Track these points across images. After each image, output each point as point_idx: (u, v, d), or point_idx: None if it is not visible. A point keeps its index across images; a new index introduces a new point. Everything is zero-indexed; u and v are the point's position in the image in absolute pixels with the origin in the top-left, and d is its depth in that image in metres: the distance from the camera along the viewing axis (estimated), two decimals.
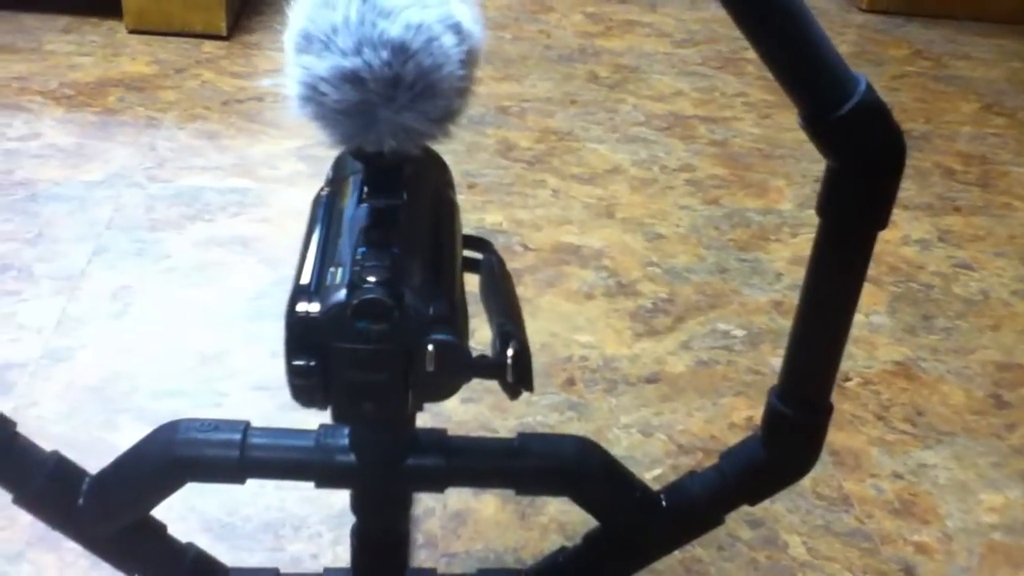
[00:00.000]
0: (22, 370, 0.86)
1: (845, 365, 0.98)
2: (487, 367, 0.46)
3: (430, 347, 0.43)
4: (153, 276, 1.01)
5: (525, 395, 0.87)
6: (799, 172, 1.37)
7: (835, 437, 0.88)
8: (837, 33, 2.02)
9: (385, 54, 0.40)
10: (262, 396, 0.85)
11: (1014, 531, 0.80)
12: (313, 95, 0.41)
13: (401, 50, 0.40)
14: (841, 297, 0.50)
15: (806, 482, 0.82)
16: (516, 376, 0.46)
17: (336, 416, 0.47)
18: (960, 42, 2.06)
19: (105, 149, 1.24)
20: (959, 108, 1.71)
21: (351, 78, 0.40)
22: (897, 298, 1.11)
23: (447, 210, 0.53)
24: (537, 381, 0.90)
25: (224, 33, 1.59)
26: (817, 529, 0.78)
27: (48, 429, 0.79)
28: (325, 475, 0.52)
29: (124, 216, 1.10)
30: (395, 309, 0.43)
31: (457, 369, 0.45)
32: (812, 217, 1.27)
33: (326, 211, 0.49)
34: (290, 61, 0.41)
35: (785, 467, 0.57)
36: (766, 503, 0.78)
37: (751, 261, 1.15)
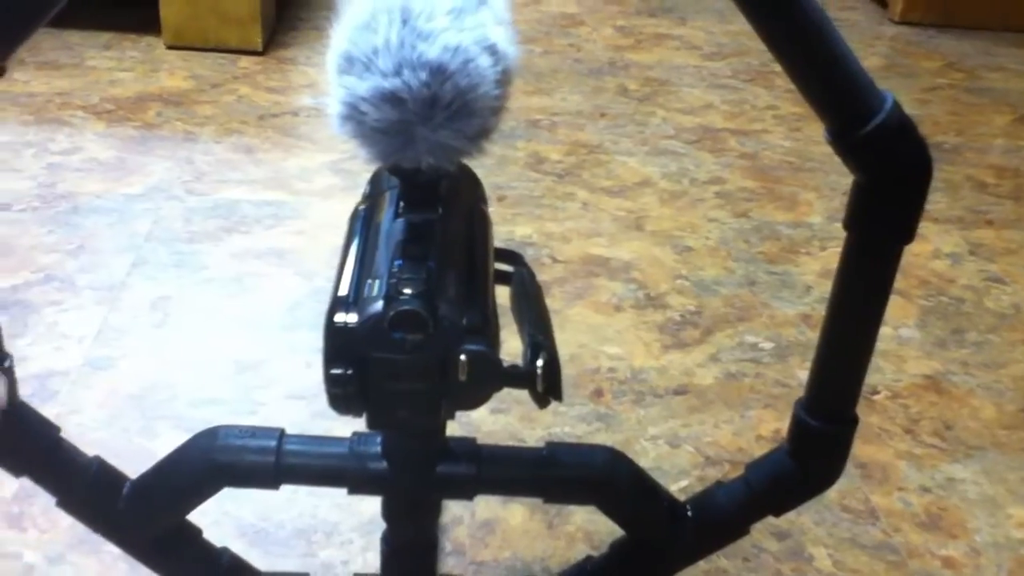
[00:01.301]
0: (64, 378, 0.88)
1: (873, 379, 0.98)
2: (517, 377, 0.47)
3: (463, 357, 0.45)
4: (191, 287, 1.03)
5: (553, 406, 0.88)
6: (828, 185, 1.37)
7: (863, 450, 0.88)
8: (868, 45, 2.02)
9: (424, 75, 0.41)
10: (297, 404, 0.87)
11: None
12: (354, 114, 0.42)
13: (439, 71, 0.41)
14: (868, 310, 0.51)
15: (833, 495, 0.82)
16: (545, 386, 0.47)
17: (371, 423, 0.48)
18: (994, 53, 2.05)
19: (145, 163, 1.27)
20: (992, 120, 1.70)
21: (391, 98, 0.41)
22: (927, 312, 1.11)
23: (480, 224, 0.54)
24: (565, 392, 0.91)
25: (260, 48, 1.62)
26: (843, 542, 0.78)
27: (89, 435, 0.82)
28: (358, 482, 0.53)
29: (163, 228, 1.13)
30: (430, 320, 0.44)
31: (489, 379, 0.46)
32: (841, 230, 1.28)
33: (363, 225, 0.51)
34: (332, 81, 0.43)
35: (811, 478, 0.57)
36: (792, 515, 0.79)
37: (780, 274, 1.15)
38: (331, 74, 0.43)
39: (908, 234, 0.47)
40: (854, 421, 0.55)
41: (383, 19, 0.42)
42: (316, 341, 0.82)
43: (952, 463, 0.88)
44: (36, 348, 0.92)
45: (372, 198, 0.53)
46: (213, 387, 0.89)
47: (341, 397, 0.46)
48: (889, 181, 0.46)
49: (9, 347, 0.50)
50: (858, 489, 0.83)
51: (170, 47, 1.62)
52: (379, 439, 0.53)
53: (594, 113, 1.54)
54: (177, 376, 0.90)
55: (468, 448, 0.54)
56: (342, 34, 0.43)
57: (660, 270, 1.14)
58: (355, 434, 0.54)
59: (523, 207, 1.24)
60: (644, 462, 0.84)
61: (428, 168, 0.44)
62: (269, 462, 0.52)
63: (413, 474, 0.54)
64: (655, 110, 1.58)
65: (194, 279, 1.05)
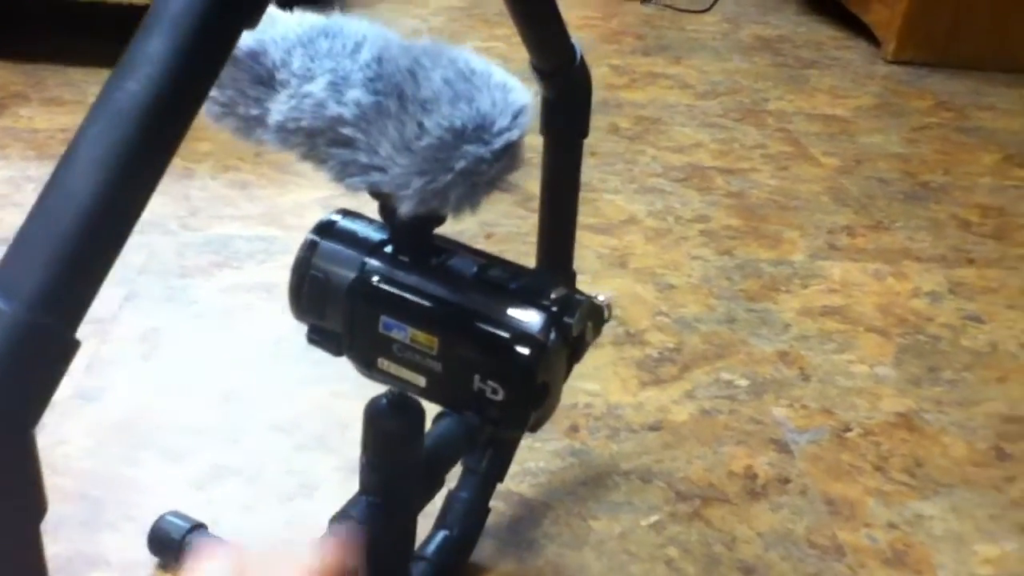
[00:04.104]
0: (52, 410, 0.90)
1: (846, 416, 1.00)
2: (597, 309, 0.52)
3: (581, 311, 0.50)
4: (181, 320, 1.06)
5: (527, 441, 0.90)
6: (813, 224, 1.40)
7: (831, 486, 0.89)
8: (861, 84, 2.05)
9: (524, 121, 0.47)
10: (279, 435, 0.89)
11: None
12: (473, 179, 0.45)
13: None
14: (568, 188, 0.72)
15: (800, 530, 0.84)
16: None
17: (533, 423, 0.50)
18: (985, 93, 2.07)
19: None
20: (980, 159, 1.72)
21: (515, 151, 0.46)
22: (904, 350, 1.12)
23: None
24: (541, 429, 0.93)
25: None
26: None
27: (74, 465, 0.84)
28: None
29: (156, 263, 1.16)
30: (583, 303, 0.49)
31: (597, 321, 0.52)
32: (823, 268, 1.30)
33: (410, 288, 0.50)
34: (444, 149, 0.44)
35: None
36: (759, 550, 0.81)
37: (760, 311, 1.17)
38: (433, 144, 0.44)
39: (586, 131, 0.69)
40: (573, 276, 0.74)
41: (458, 87, 0.45)
42: (300, 373, 0.83)
43: (921, 500, 0.89)
44: None
45: (359, 267, 0.52)
46: (198, 417, 0.92)
47: (547, 408, 0.50)
48: (575, 99, 0.67)
49: None
50: (826, 525, 0.85)
51: None
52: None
53: (584, 151, 1.57)
54: (163, 406, 0.92)
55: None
56: (435, 114, 0.44)
57: (641, 307, 1.16)
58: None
59: (510, 244, 1.27)
60: (615, 497, 0.86)
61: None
62: None
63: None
64: (645, 148, 1.61)
65: (184, 313, 1.07)
